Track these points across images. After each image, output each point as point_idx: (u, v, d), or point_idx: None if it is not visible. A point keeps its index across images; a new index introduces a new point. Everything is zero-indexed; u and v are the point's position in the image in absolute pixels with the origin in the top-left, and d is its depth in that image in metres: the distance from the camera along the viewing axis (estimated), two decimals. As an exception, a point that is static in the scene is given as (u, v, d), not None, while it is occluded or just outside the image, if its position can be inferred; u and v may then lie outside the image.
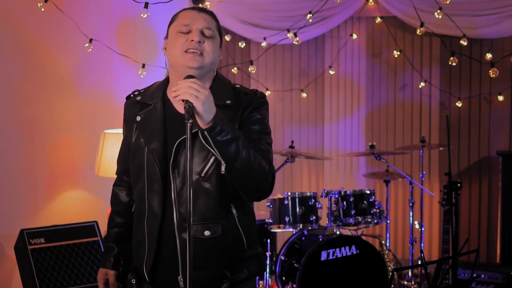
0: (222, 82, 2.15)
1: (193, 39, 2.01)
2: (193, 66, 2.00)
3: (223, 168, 1.92)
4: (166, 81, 2.18)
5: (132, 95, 2.20)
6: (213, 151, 1.91)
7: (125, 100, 2.21)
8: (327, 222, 4.30)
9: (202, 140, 1.90)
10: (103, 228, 3.92)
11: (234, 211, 2.08)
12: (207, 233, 2.03)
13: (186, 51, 2.01)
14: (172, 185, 2.05)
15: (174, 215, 2.05)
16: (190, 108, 1.83)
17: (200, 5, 4.97)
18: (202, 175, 2.01)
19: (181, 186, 2.05)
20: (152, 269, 2.09)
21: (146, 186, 2.08)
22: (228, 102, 2.07)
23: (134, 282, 2.14)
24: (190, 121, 1.80)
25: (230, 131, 1.90)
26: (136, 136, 2.12)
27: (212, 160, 2.01)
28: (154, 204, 2.07)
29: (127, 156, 2.18)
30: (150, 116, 2.10)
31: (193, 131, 1.88)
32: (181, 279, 2.04)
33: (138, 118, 2.10)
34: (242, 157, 1.92)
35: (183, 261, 2.03)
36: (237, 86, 2.17)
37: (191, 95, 1.83)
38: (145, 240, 2.09)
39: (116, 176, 2.32)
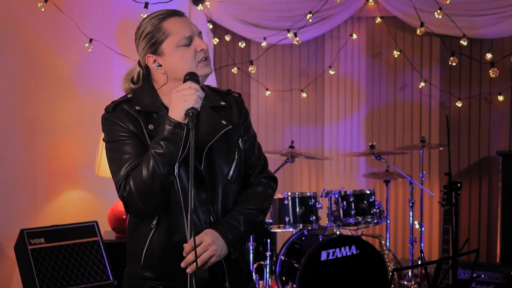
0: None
1: (203, 47, 1.96)
2: (207, 73, 1.98)
3: None
4: (152, 89, 2.02)
5: (117, 104, 1.98)
6: None
7: (108, 111, 1.98)
8: (327, 222, 4.30)
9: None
10: (103, 228, 3.94)
11: None
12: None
13: (199, 62, 1.96)
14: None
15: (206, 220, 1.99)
16: (194, 116, 1.81)
17: (200, 6, 4.96)
18: (229, 177, 2.00)
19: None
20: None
21: (180, 195, 1.96)
22: (223, 103, 2.07)
23: None
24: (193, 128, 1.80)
25: (238, 238, 1.97)
26: None
27: (235, 161, 2.02)
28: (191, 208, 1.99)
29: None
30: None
31: (221, 132, 1.97)
32: (228, 286, 1.97)
33: (151, 127, 1.94)
34: (258, 222, 2.06)
35: (228, 266, 2.00)
36: (211, 86, 2.14)
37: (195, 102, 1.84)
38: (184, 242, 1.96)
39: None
